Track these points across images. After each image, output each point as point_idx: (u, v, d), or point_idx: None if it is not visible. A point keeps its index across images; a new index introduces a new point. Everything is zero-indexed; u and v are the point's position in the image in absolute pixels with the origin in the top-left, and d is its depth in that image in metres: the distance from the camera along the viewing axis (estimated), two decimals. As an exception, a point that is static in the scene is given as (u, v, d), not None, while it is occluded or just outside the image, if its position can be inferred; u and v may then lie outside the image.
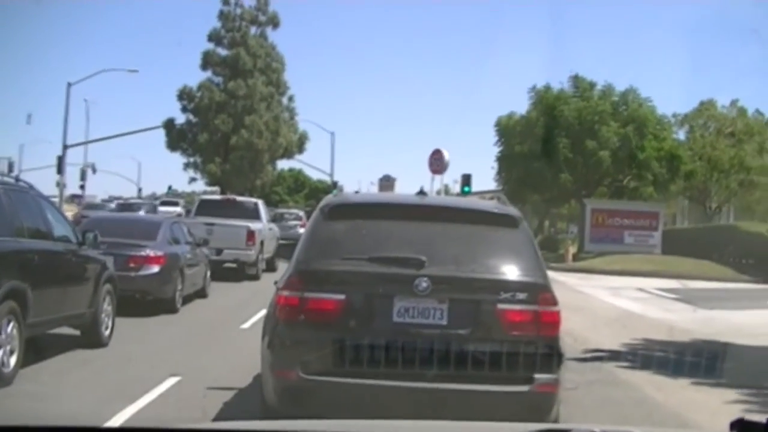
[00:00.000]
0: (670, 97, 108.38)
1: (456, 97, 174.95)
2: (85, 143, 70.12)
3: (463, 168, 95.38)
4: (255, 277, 26.79)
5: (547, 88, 47.19)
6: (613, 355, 14.53)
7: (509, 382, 7.03)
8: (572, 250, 41.81)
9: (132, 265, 17.17)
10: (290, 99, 61.77)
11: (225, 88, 56.16)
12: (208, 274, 21.53)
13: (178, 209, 62.32)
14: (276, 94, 58.35)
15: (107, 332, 13.23)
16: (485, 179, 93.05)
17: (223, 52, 57.41)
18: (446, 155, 52.24)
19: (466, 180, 54.93)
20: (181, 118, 57.58)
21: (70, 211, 46.21)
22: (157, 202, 70.46)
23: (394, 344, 7.05)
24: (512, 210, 8.20)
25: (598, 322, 19.86)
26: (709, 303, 25.20)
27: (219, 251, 25.75)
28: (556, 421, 7.20)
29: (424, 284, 7.06)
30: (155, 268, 17.43)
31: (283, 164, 73.00)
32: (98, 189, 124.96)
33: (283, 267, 20.66)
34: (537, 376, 7.06)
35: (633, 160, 44.03)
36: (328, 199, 8.44)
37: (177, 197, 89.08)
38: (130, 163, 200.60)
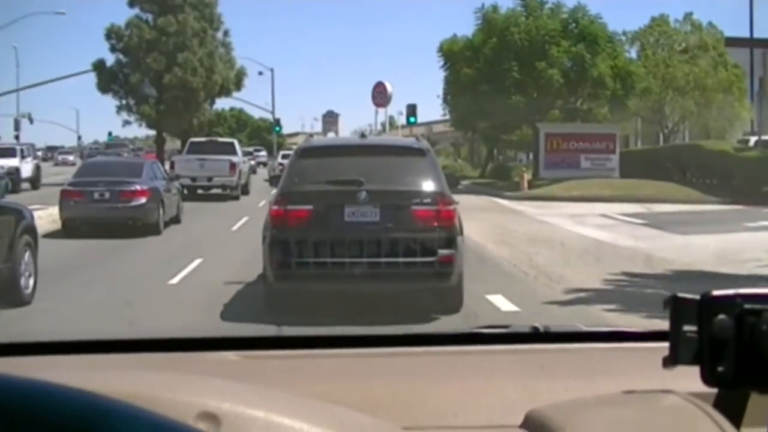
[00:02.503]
0: (618, 14, 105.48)
1: (399, 24, 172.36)
2: (17, 90, 66.94)
3: (410, 98, 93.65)
4: (236, 198, 34.59)
5: (495, 8, 44.87)
6: (597, 296, 12.72)
7: (422, 255, 10.20)
8: (527, 177, 39.79)
9: (124, 198, 21.19)
10: (225, 34, 59.19)
11: (155, 25, 53.31)
12: (181, 203, 25.45)
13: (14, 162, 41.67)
14: (209, 30, 55.62)
15: (29, 289, 12.07)
16: (434, 107, 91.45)
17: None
18: (389, 87, 51.24)
19: (412, 110, 53.49)
20: (111, 59, 54.84)
21: None
22: None
23: (347, 235, 10.24)
24: (423, 144, 11.85)
25: (569, 256, 18.11)
26: (679, 228, 23.64)
27: (210, 179, 34.65)
28: (459, 282, 10.62)
29: (363, 195, 10.34)
30: (143, 200, 21.32)
31: (223, 104, 71.38)
32: (37, 139, 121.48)
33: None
34: (440, 251, 10.24)
35: (586, 79, 41.98)
36: (300, 144, 12.83)
37: (120, 144, 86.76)
38: (69, 112, 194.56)
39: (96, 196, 21.24)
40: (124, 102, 55.10)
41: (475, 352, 2.55)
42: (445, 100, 53.98)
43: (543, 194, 36.45)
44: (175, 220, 24.11)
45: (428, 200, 10.53)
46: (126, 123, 57.06)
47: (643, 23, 50.52)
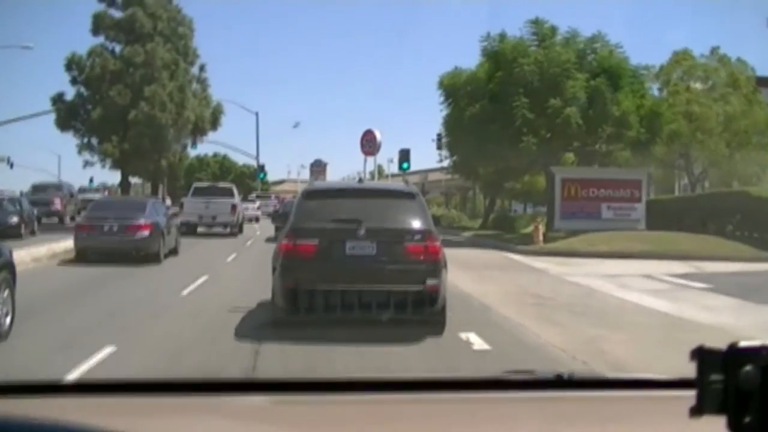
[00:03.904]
0: (637, 48, 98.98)
1: (390, 69, 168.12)
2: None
3: (400, 146, 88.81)
4: (234, 235, 39.74)
5: (502, 36, 39.73)
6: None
7: (412, 284, 11.72)
8: (542, 229, 34.36)
9: (130, 231, 24.05)
10: (201, 69, 53.96)
11: (120, 55, 48.03)
12: (179, 238, 28.71)
13: None
14: (182, 62, 50.25)
15: (6, 325, 11.75)
16: (428, 155, 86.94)
17: (117, 14, 49.29)
18: (378, 135, 49.16)
19: (405, 156, 49.21)
20: (71, 93, 49.39)
21: None
22: None
23: (348, 267, 11.93)
24: (412, 188, 13.87)
25: (639, 338, 12.86)
26: (756, 295, 18.30)
27: (214, 218, 39.96)
28: (443, 306, 12.07)
29: (362, 232, 11.95)
30: (146, 232, 24.21)
31: (206, 149, 67.40)
32: (19, 184, 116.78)
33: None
34: (427, 281, 11.76)
35: (607, 118, 36.81)
36: (305, 186, 14.72)
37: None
38: (53, 156, 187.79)
39: (105, 229, 24.18)
40: (85, 140, 49.54)
41: (500, 398, 2.60)
42: (439, 145, 49.61)
43: (562, 249, 31.02)
44: (174, 251, 27.23)
45: (418, 237, 12.15)
46: (87, 164, 51.21)
47: (658, 60, 45.82)
